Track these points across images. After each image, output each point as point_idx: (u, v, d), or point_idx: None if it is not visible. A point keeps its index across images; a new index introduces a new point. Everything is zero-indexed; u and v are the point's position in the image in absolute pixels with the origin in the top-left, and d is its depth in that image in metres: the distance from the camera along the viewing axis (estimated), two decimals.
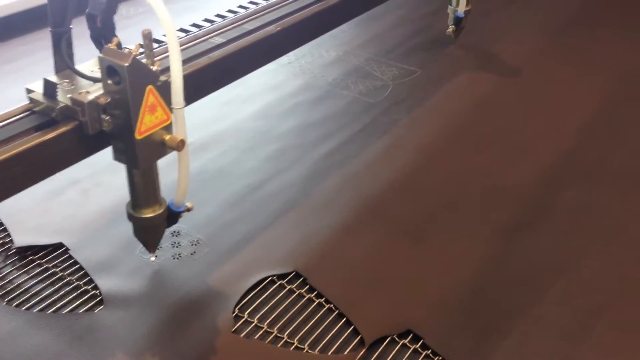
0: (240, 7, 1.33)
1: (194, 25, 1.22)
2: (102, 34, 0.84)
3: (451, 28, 1.61)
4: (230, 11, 1.30)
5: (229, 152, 1.22)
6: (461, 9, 1.58)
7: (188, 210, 0.93)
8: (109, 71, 0.76)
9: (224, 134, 1.26)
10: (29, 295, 0.92)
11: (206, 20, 1.29)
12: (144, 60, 0.78)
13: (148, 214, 0.88)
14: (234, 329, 0.87)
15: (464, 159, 1.23)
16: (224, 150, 1.22)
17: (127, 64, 0.75)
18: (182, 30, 1.23)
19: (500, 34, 1.74)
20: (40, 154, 0.75)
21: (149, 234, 0.91)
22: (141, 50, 0.78)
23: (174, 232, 1.02)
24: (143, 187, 0.86)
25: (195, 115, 1.06)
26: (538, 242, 1.03)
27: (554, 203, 1.11)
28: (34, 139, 0.75)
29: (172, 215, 0.91)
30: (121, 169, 0.85)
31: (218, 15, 1.30)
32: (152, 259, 0.96)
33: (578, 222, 1.08)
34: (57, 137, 0.77)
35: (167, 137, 0.83)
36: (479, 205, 1.11)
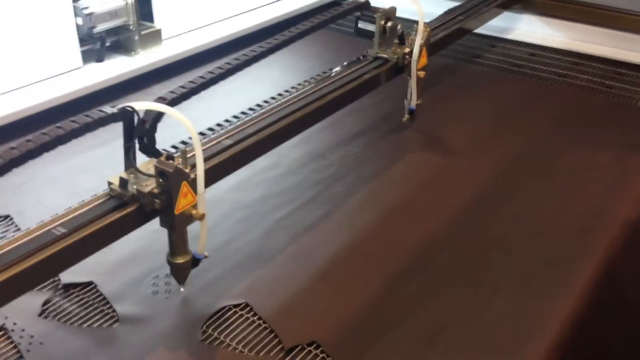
0: (243, 112, 1.80)
1: (209, 129, 1.70)
2: (147, 147, 1.33)
3: (406, 117, 2.06)
4: (234, 117, 1.80)
5: (211, 217, 1.56)
6: (413, 104, 2.02)
7: (206, 257, 1.37)
8: (160, 174, 1.23)
9: (208, 204, 1.66)
10: (73, 316, 1.37)
11: (218, 124, 1.78)
12: (181, 166, 1.25)
13: (180, 260, 1.33)
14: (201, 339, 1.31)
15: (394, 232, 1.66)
16: (207, 215, 1.65)
17: (172, 171, 1.22)
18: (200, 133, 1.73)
19: (447, 119, 2.22)
20: (119, 225, 1.21)
21: (181, 273, 1.36)
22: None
23: (154, 275, 1.46)
24: (178, 242, 1.31)
25: None
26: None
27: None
28: (115, 215, 1.22)
29: (195, 261, 1.36)
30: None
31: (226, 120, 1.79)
32: (182, 289, 1.41)
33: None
34: (128, 214, 1.23)
35: (194, 212, 1.29)
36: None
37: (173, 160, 1.23)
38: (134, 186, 1.24)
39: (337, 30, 2.81)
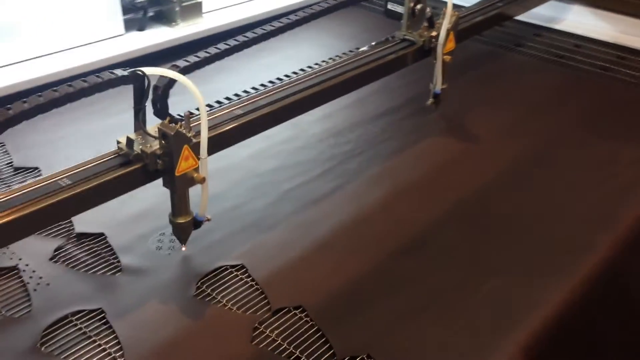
0: (262, 85, 1.88)
1: (227, 98, 1.79)
2: (160, 112, 1.41)
3: (430, 101, 2.07)
4: (254, 88, 1.87)
5: (221, 183, 1.74)
6: (438, 88, 2.04)
7: (208, 220, 1.45)
8: (163, 136, 1.32)
9: (222, 170, 1.77)
10: (81, 262, 1.48)
11: (235, 94, 1.86)
12: (183, 130, 1.33)
13: (181, 220, 1.41)
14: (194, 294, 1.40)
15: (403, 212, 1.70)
16: (219, 181, 1.73)
17: (172, 133, 1.30)
18: (213, 103, 1.79)
19: (475, 106, 2.22)
20: (121, 181, 1.30)
21: (182, 232, 1.44)
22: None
23: (161, 232, 1.55)
24: (179, 203, 1.38)
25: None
26: None
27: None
28: (118, 171, 1.30)
29: (196, 222, 1.44)
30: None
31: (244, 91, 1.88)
32: (183, 249, 1.48)
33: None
34: (131, 172, 1.31)
35: (195, 175, 1.35)
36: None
37: (177, 124, 1.31)
38: (140, 146, 1.32)
39: (378, 12, 2.83)
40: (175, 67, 1.45)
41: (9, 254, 1.47)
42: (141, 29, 2.38)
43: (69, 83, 1.24)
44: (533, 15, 2.76)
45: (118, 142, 1.35)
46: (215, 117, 1.51)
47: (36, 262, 1.46)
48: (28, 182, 1.23)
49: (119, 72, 1.30)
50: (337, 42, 2.61)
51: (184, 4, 2.41)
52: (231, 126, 1.50)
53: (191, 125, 1.35)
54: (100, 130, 1.94)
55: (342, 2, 1.87)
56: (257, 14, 2.61)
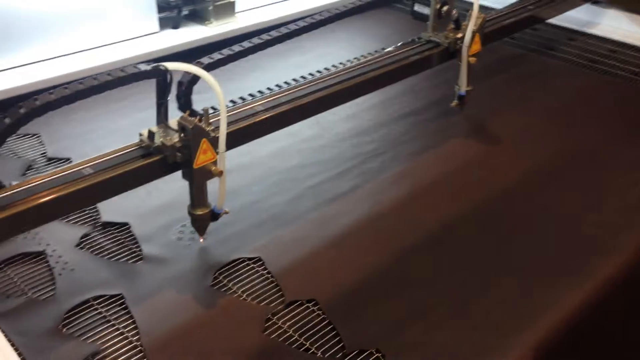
0: (286, 82, 1.93)
1: (250, 95, 1.84)
2: (184, 106, 1.47)
3: (455, 102, 2.08)
4: (277, 85, 1.92)
5: (243, 178, 1.79)
6: (462, 89, 2.05)
7: (226, 213, 1.49)
8: (182, 129, 1.37)
9: (244, 166, 1.82)
10: (105, 250, 1.54)
11: (259, 91, 1.91)
12: (202, 124, 1.38)
13: (199, 212, 1.46)
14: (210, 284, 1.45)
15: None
16: (241, 176, 1.79)
17: (191, 126, 1.35)
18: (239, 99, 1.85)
19: (501, 109, 2.22)
20: (141, 172, 1.35)
21: (200, 224, 1.49)
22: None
23: (182, 224, 1.60)
24: (197, 195, 1.43)
25: (229, 151, 1.51)
26: None
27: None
28: (139, 162, 1.36)
29: (214, 215, 1.48)
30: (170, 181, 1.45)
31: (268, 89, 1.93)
32: (201, 240, 1.54)
33: None
34: (152, 163, 1.36)
35: (213, 168, 1.40)
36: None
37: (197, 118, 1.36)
38: (160, 139, 1.38)
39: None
40: (199, 64, 1.50)
41: (38, 240, 1.55)
42: (175, 27, 2.45)
43: (93, 75, 1.29)
44: (568, 19, 2.74)
45: (140, 135, 1.41)
46: (237, 112, 1.55)
47: (63, 248, 1.53)
48: (53, 170, 1.29)
49: (142, 66, 1.36)
50: (368, 42, 2.64)
51: (218, 3, 2.47)
52: (251, 122, 1.54)
53: (211, 120, 1.40)
54: (130, 124, 2.00)
55: (370, 2, 1.89)
56: (290, 13, 2.65)
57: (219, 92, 1.37)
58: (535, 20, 2.49)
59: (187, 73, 1.46)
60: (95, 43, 2.28)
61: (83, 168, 1.30)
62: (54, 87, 1.29)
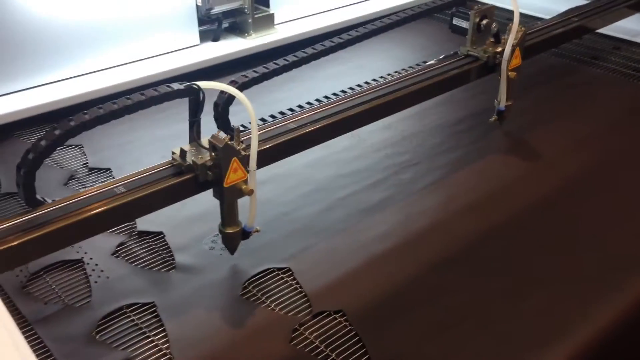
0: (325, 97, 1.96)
1: (282, 112, 1.90)
2: (222, 125, 1.50)
3: (494, 118, 2.04)
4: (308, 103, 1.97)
5: (277, 188, 1.82)
6: (502, 104, 2.01)
7: (257, 231, 1.51)
8: (213, 148, 1.40)
9: (279, 176, 1.85)
10: (139, 258, 1.59)
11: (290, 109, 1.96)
12: (233, 143, 1.40)
13: (230, 230, 1.48)
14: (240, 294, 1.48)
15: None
16: (275, 186, 1.82)
17: (222, 145, 1.38)
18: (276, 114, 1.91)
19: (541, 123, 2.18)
20: (172, 191, 1.39)
21: (230, 242, 1.51)
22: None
23: (215, 234, 1.62)
24: (228, 214, 1.45)
25: None
26: None
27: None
28: (170, 181, 1.39)
29: (245, 233, 1.50)
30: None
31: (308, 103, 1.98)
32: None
33: None
34: (182, 182, 1.39)
35: (244, 187, 1.41)
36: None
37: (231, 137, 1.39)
38: (192, 157, 1.41)
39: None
40: (233, 83, 1.53)
41: (76, 248, 1.61)
42: (215, 39, 2.50)
43: (127, 96, 1.34)
44: (614, 28, 2.69)
45: (173, 153, 1.45)
46: (269, 130, 1.58)
47: (99, 256, 1.59)
48: (86, 189, 1.34)
49: (176, 85, 1.40)
50: (406, 53, 2.65)
51: (257, 15, 2.51)
52: (283, 140, 1.56)
53: (242, 138, 1.43)
54: (169, 135, 2.06)
55: (409, 17, 1.90)
56: (328, 24, 2.68)
57: (251, 111, 1.39)
58: (581, 32, 2.44)
59: (222, 93, 1.49)
60: (138, 56, 2.35)
61: (116, 187, 1.35)
62: (101, 98, 1.34)
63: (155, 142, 2.04)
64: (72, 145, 2.04)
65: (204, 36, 2.49)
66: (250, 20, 2.49)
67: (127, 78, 2.24)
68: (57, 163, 1.97)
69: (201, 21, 2.45)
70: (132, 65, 2.34)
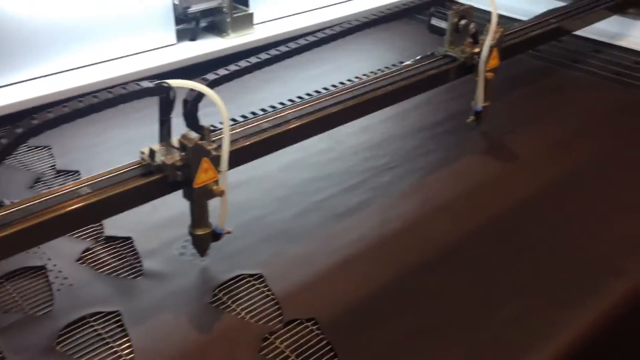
0: (299, 97, 1.92)
1: (253, 113, 1.85)
2: (191, 124, 1.46)
3: (471, 118, 2.03)
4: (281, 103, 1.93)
5: (252, 192, 1.78)
6: (479, 105, 1.99)
7: (228, 233, 1.48)
8: (183, 147, 1.36)
9: (254, 179, 1.81)
10: (105, 265, 1.54)
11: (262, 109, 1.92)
12: (203, 142, 1.37)
13: (200, 232, 1.44)
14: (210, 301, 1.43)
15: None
16: (249, 190, 1.77)
17: (191, 145, 1.34)
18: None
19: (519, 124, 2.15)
20: (140, 192, 1.35)
21: (200, 244, 1.47)
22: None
23: (187, 239, 1.55)
24: (198, 215, 1.42)
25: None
26: None
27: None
28: (138, 182, 1.35)
29: (215, 235, 1.47)
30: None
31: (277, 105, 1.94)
32: (202, 260, 1.52)
33: None
34: (152, 182, 1.35)
35: (214, 188, 1.38)
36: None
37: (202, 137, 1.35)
38: (161, 157, 1.37)
39: None
40: (203, 80, 1.49)
41: (40, 254, 1.55)
42: (193, 39, 2.45)
43: (94, 94, 1.29)
44: (594, 31, 2.68)
45: (142, 153, 1.40)
46: (242, 130, 1.54)
47: (63, 262, 1.54)
48: (49, 190, 1.29)
49: (145, 83, 1.35)
50: (387, 54, 2.61)
51: (235, 15, 2.47)
52: (256, 140, 1.52)
53: (214, 138, 1.39)
54: (144, 136, 1.96)
55: (388, 15, 1.86)
56: (308, 24, 2.64)
57: (223, 110, 1.36)
58: (559, 34, 2.43)
59: (191, 90, 1.44)
60: (113, 55, 2.30)
61: (80, 188, 1.30)
62: (69, 99, 1.29)
63: (128, 144, 1.98)
64: (39, 147, 1.98)
65: (181, 35, 2.44)
66: (228, 20, 2.45)
67: (101, 77, 2.19)
68: (23, 165, 1.91)
69: (178, 20, 2.39)
70: (106, 64, 2.28)
